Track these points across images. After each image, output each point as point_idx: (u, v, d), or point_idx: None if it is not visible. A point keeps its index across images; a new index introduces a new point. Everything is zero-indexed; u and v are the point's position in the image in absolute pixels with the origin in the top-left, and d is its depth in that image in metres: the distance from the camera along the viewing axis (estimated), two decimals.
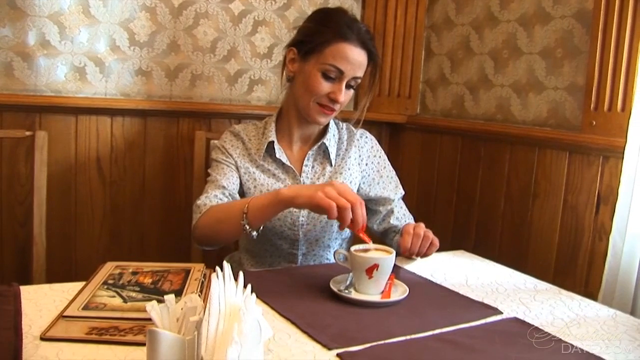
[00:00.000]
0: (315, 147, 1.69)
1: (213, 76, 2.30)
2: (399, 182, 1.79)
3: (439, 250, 1.74)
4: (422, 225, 1.55)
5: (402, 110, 2.65)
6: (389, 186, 1.75)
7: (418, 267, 1.56)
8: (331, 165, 1.69)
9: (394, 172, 1.80)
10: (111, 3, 2.09)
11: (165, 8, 2.18)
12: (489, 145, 2.28)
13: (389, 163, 1.80)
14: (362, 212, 1.29)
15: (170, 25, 2.20)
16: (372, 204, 1.76)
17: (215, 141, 1.78)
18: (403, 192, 1.78)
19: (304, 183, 1.65)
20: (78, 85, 2.08)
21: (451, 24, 2.48)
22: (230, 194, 1.60)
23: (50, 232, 1.90)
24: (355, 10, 2.57)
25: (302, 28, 1.66)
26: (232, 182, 1.63)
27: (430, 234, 1.54)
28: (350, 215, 1.28)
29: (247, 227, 1.41)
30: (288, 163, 1.65)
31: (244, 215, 1.40)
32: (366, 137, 1.79)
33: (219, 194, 1.58)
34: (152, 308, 0.80)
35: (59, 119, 2.07)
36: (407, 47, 2.61)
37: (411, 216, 1.77)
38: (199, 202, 1.57)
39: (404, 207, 1.77)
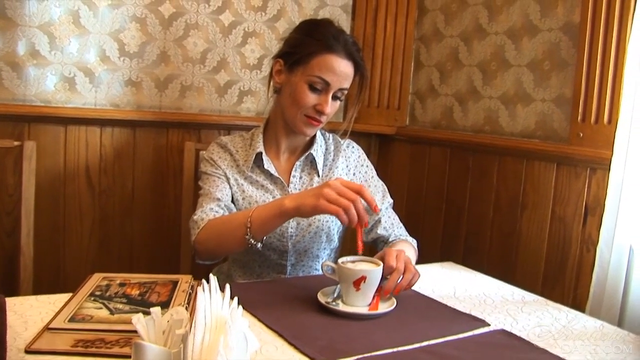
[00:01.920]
0: (303, 157, 1.69)
1: (203, 87, 2.31)
2: (386, 191, 1.79)
3: (428, 261, 1.75)
4: (402, 256, 1.38)
5: (391, 122, 2.66)
6: (376, 196, 1.75)
7: None
8: (319, 175, 1.69)
9: (381, 182, 1.80)
10: (101, 14, 2.09)
11: (155, 19, 2.18)
12: (477, 157, 2.29)
13: (376, 172, 1.81)
14: (362, 206, 1.30)
15: (160, 36, 2.20)
16: None
17: (203, 152, 1.78)
18: (391, 201, 1.78)
19: (291, 194, 1.65)
20: (67, 96, 2.08)
21: (440, 35, 2.50)
22: (225, 206, 1.60)
23: (39, 243, 1.89)
24: (345, 22, 2.58)
25: (288, 39, 1.66)
26: (225, 193, 1.63)
27: (411, 265, 1.38)
28: (355, 214, 1.29)
29: (252, 241, 1.42)
30: (276, 174, 1.66)
31: (248, 229, 1.41)
32: (353, 146, 1.80)
33: (214, 207, 1.57)
34: (138, 321, 0.80)
35: (48, 129, 2.06)
36: (396, 59, 2.62)
37: (401, 224, 1.76)
38: (195, 217, 1.56)
39: (393, 215, 1.77)
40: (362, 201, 1.32)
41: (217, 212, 1.56)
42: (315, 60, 1.54)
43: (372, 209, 1.33)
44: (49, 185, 2.08)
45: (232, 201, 1.65)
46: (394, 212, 1.78)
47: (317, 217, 1.63)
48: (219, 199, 1.60)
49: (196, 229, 1.53)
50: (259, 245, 1.43)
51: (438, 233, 2.47)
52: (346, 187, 1.30)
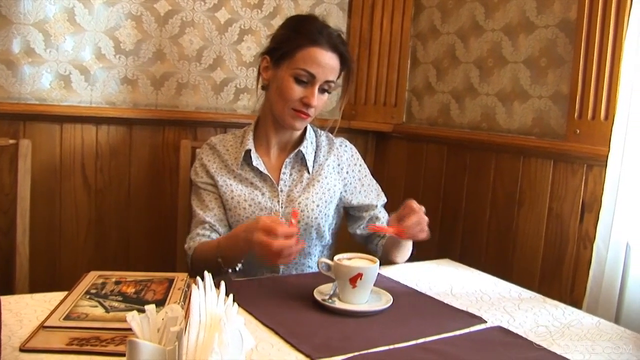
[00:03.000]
0: (292, 154, 1.70)
1: (199, 85, 2.30)
2: (380, 190, 1.81)
3: (424, 258, 1.75)
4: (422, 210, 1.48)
5: (388, 119, 2.65)
6: (370, 194, 1.76)
7: (403, 276, 1.56)
8: (309, 172, 1.70)
9: (375, 181, 1.81)
10: (97, 11, 2.08)
11: (151, 16, 2.17)
12: (474, 154, 2.29)
13: (369, 171, 1.82)
14: (280, 242, 1.30)
15: (156, 34, 2.19)
16: (355, 211, 1.77)
17: (199, 149, 1.79)
18: (385, 200, 1.79)
19: (281, 191, 1.67)
20: (63, 94, 2.07)
21: (437, 32, 2.49)
22: (211, 227, 1.64)
23: (34, 242, 1.88)
24: (341, 19, 2.58)
25: (274, 36, 1.69)
26: (212, 210, 1.65)
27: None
28: (290, 253, 1.32)
29: (230, 271, 1.48)
30: (265, 171, 1.66)
31: (222, 264, 1.47)
32: (345, 145, 1.80)
33: (200, 232, 1.62)
34: (133, 318, 0.80)
35: (44, 127, 2.05)
36: (393, 56, 2.61)
37: None
38: (186, 246, 1.62)
39: (386, 214, 1.78)
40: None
41: (203, 235, 1.62)
42: (300, 54, 1.56)
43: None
44: (45, 183, 2.07)
45: (223, 202, 1.67)
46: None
47: (306, 213, 1.65)
48: (203, 222, 1.64)
49: (188, 258, 1.61)
50: (238, 267, 1.49)
51: (435, 230, 2.45)
52: (269, 232, 1.31)
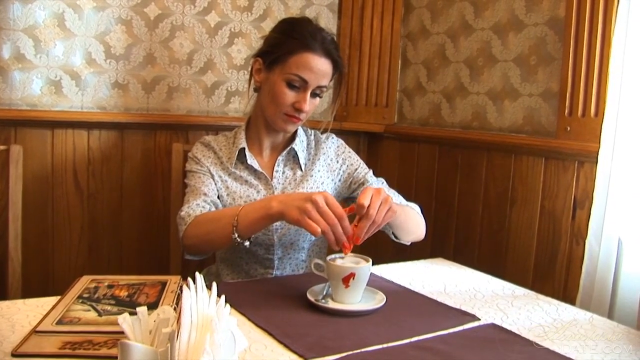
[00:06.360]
0: (285, 152, 1.71)
1: (190, 88, 2.30)
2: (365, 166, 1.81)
3: (418, 258, 1.76)
4: (378, 197, 1.30)
5: (379, 120, 2.66)
6: (362, 172, 1.77)
7: (396, 275, 1.56)
8: (301, 169, 1.71)
9: (362, 161, 1.81)
10: (87, 16, 2.08)
11: (141, 21, 2.17)
12: (466, 153, 2.29)
13: (356, 154, 1.82)
14: (341, 231, 1.27)
15: (146, 38, 2.19)
16: (357, 193, 1.76)
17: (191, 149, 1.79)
18: (382, 179, 1.80)
19: (275, 188, 1.67)
20: (54, 99, 2.07)
21: (427, 33, 2.50)
22: (211, 201, 1.61)
23: (27, 247, 1.88)
24: (332, 21, 2.58)
25: (267, 38, 1.68)
26: (210, 188, 1.63)
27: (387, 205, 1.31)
28: (333, 237, 1.27)
29: (239, 240, 1.41)
30: (259, 169, 1.67)
31: (234, 228, 1.40)
32: (332, 138, 1.81)
33: (200, 203, 1.58)
34: (124, 320, 0.80)
35: (35, 132, 2.05)
36: (383, 57, 2.62)
37: (399, 196, 1.76)
38: (182, 213, 1.56)
39: (387, 187, 1.76)
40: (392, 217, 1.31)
41: (203, 207, 1.57)
42: (293, 59, 1.55)
43: (349, 239, 1.29)
44: (37, 189, 2.07)
45: (217, 197, 1.65)
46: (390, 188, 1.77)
47: None
48: (205, 194, 1.60)
49: (183, 225, 1.53)
50: (247, 243, 1.43)
51: (428, 229, 2.44)
52: (330, 206, 1.27)
